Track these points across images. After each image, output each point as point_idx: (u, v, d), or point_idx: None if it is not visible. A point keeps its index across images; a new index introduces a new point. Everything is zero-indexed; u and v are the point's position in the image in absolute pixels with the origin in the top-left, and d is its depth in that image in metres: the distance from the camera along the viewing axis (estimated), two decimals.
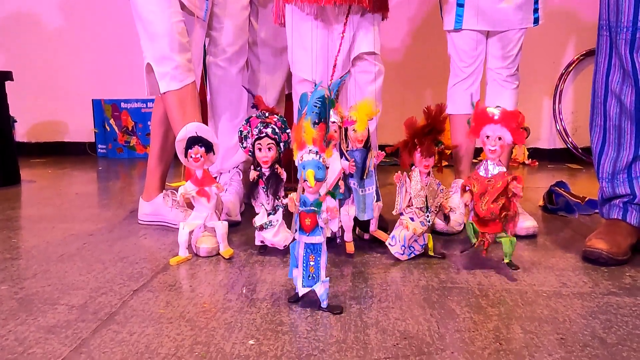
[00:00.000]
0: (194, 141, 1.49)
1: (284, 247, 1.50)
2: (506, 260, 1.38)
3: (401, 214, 1.49)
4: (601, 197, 1.60)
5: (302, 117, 1.21)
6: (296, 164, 1.14)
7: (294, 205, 1.13)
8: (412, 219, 1.46)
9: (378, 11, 1.71)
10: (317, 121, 1.18)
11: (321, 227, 1.13)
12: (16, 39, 3.86)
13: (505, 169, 1.38)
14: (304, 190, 1.13)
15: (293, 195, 1.14)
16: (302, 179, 1.11)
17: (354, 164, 1.48)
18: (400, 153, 1.48)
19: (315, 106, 1.21)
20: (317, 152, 1.11)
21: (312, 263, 1.14)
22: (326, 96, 1.30)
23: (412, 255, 1.49)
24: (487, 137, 1.37)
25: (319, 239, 1.13)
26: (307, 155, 1.11)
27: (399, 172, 1.48)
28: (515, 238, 1.39)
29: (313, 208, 1.12)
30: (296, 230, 1.15)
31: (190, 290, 1.28)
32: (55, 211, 2.12)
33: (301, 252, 1.14)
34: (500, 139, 1.36)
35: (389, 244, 1.48)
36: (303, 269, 1.15)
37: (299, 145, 1.13)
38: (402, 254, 1.47)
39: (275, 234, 1.48)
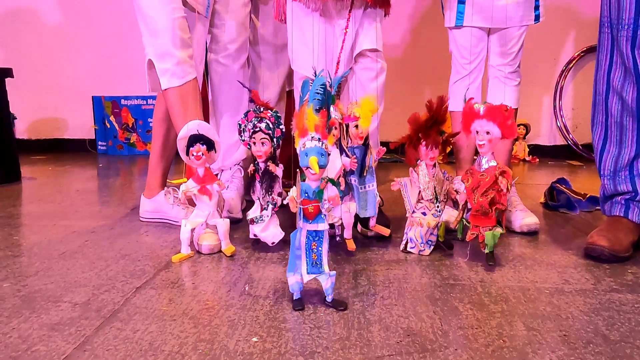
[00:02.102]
0: (196, 139, 1.49)
1: (272, 243, 1.52)
2: (486, 251, 1.40)
3: (413, 212, 1.50)
4: (603, 194, 1.60)
5: (304, 104, 1.21)
6: (297, 151, 1.14)
7: (294, 206, 1.13)
8: (424, 214, 1.48)
9: (381, 7, 1.71)
10: (318, 108, 1.18)
11: (324, 215, 1.13)
12: (16, 36, 3.85)
13: (496, 164, 1.39)
14: (304, 178, 1.13)
15: (293, 194, 1.13)
16: (304, 167, 1.11)
17: (355, 160, 1.48)
18: (405, 149, 1.49)
19: (317, 93, 1.21)
20: (319, 138, 1.12)
21: (314, 250, 1.14)
22: (327, 84, 1.30)
23: (432, 247, 1.51)
24: (477, 132, 1.39)
25: (322, 226, 1.14)
26: (309, 142, 1.12)
27: (396, 178, 1.51)
28: (499, 232, 1.40)
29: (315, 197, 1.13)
30: (300, 219, 1.14)
31: (193, 288, 1.28)
32: (56, 208, 2.12)
33: (303, 240, 1.14)
34: (488, 133, 1.37)
35: (410, 247, 1.51)
36: (306, 257, 1.15)
37: (301, 132, 1.13)
38: (424, 250, 1.50)
39: (263, 229, 1.50)
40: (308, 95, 1.25)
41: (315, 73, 1.37)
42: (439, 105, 1.44)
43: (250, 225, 1.54)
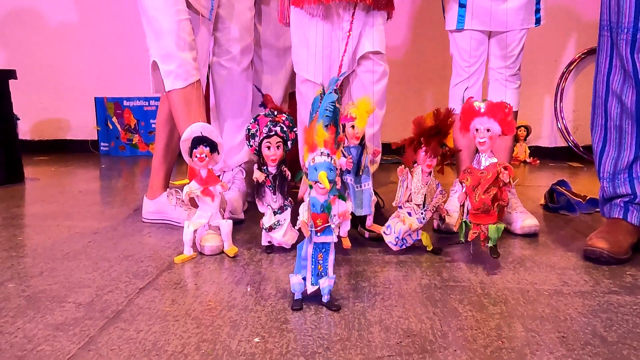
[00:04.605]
0: (199, 141, 1.50)
1: (290, 246, 1.54)
2: (489, 244, 1.41)
3: (400, 207, 1.51)
4: (602, 197, 1.61)
5: (313, 120, 1.23)
6: (306, 165, 1.16)
7: (307, 230, 1.14)
8: (409, 214, 1.50)
9: (384, 9, 1.72)
10: (327, 124, 1.21)
11: (332, 228, 1.16)
12: (18, 36, 3.86)
13: (496, 160, 1.41)
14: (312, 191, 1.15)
15: (304, 217, 1.14)
16: (313, 181, 1.13)
17: (351, 160, 1.50)
18: (405, 150, 1.50)
19: (327, 110, 1.24)
20: (328, 154, 1.14)
21: (320, 261, 1.17)
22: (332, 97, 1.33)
23: (404, 247, 1.52)
24: (477, 130, 1.41)
25: (330, 238, 1.16)
26: (319, 158, 1.14)
27: (403, 166, 1.50)
28: (502, 226, 1.41)
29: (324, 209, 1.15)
30: (311, 233, 1.16)
31: (196, 289, 1.29)
32: (59, 209, 2.13)
33: (310, 252, 1.16)
34: (488, 130, 1.39)
35: (384, 232, 1.52)
36: (312, 268, 1.17)
37: (310, 147, 1.15)
38: (395, 245, 1.51)
39: (284, 234, 1.51)
40: (317, 111, 1.28)
41: (319, 84, 1.39)
42: (446, 117, 1.45)
43: (264, 233, 1.55)
